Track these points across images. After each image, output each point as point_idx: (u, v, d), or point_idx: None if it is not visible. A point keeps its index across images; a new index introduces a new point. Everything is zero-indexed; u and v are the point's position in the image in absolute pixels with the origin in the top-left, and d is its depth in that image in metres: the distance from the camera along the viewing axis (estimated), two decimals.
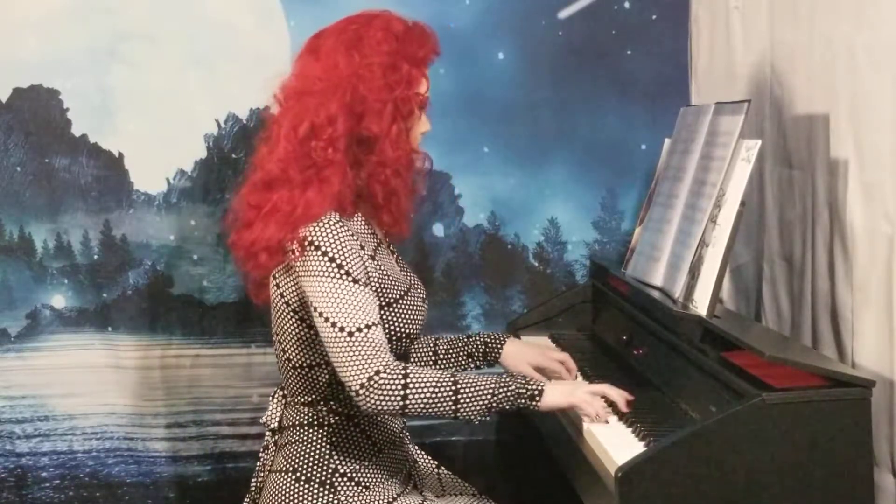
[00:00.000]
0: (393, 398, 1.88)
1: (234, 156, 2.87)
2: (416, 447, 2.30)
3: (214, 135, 2.87)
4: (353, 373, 1.88)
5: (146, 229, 2.90)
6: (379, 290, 2.00)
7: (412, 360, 2.30)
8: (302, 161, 1.96)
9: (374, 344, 1.89)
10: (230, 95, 2.85)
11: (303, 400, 2.06)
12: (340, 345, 1.88)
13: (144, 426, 2.93)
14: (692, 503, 1.79)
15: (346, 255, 1.92)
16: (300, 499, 2.00)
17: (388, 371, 1.88)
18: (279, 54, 2.80)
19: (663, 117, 2.81)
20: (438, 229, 2.97)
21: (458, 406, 1.91)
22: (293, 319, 2.01)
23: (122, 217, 2.89)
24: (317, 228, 1.93)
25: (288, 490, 2.01)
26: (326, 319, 1.90)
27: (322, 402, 2.04)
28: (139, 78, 2.83)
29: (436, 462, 2.32)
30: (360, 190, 2.05)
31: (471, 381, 1.93)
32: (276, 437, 2.12)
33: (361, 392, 1.88)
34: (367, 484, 2.04)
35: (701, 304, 2.14)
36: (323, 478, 2.02)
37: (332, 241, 1.92)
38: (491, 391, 1.92)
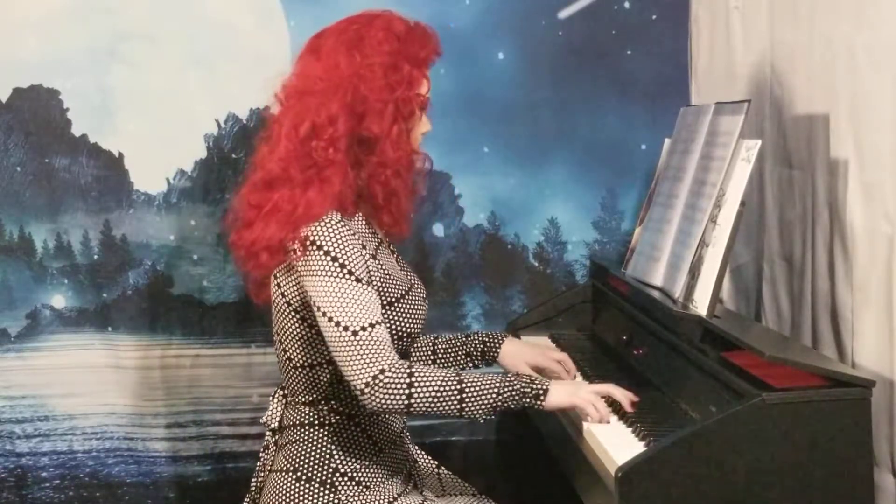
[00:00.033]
0: (398, 397, 1.88)
1: (234, 156, 2.87)
2: (416, 447, 2.30)
3: (214, 135, 2.87)
4: (357, 372, 1.88)
5: (146, 229, 2.90)
6: (381, 289, 2.00)
7: (412, 359, 2.30)
8: (303, 161, 1.96)
9: (378, 342, 1.89)
10: (230, 95, 2.85)
11: (304, 399, 2.06)
12: (345, 344, 1.88)
13: (144, 426, 2.93)
14: (692, 503, 1.79)
15: (349, 254, 1.92)
16: (301, 498, 2.00)
17: (392, 370, 1.88)
18: (279, 54, 2.80)
19: (663, 117, 2.81)
20: (438, 229, 2.97)
21: (463, 405, 1.91)
22: (295, 319, 2.01)
23: (122, 217, 2.89)
24: (319, 228, 1.93)
25: (288, 490, 2.02)
26: (330, 319, 1.90)
27: (323, 402, 2.04)
28: (139, 78, 2.83)
29: (436, 462, 2.32)
30: (360, 190, 2.05)
31: (476, 379, 1.93)
32: (277, 437, 2.12)
33: (367, 391, 1.88)
34: (368, 483, 2.04)
35: (701, 304, 2.14)
36: (323, 477, 2.02)
37: (334, 240, 1.92)
38: (496, 390, 1.93)
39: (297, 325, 2.01)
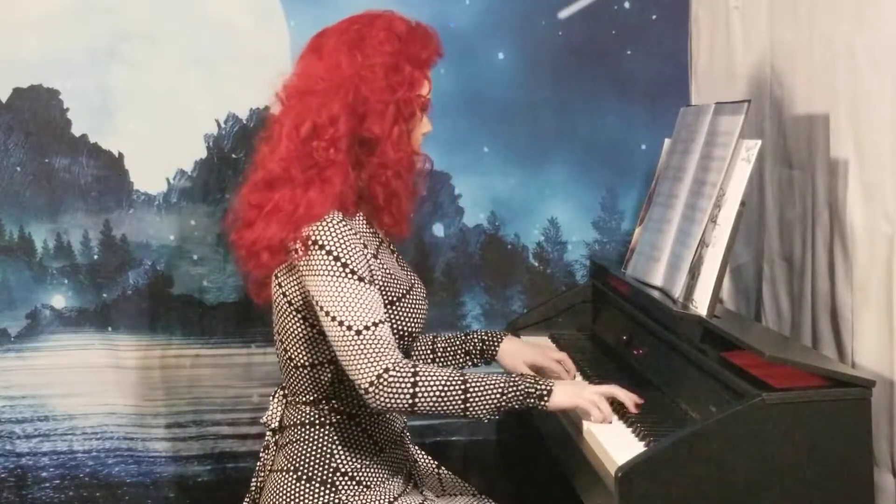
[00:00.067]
0: (402, 396, 1.88)
1: (234, 156, 2.87)
2: (416, 447, 2.30)
3: (214, 135, 2.87)
4: (362, 371, 1.88)
5: (146, 229, 2.90)
6: (382, 288, 2.00)
7: (412, 358, 2.30)
8: (304, 161, 1.96)
9: (382, 341, 1.89)
10: (230, 95, 2.85)
11: (304, 399, 2.06)
12: (348, 343, 1.89)
13: (144, 426, 2.93)
14: (692, 503, 1.79)
15: (351, 253, 1.92)
16: (301, 498, 2.00)
17: (397, 369, 1.88)
18: (279, 54, 2.80)
19: (663, 117, 2.81)
20: (438, 229, 2.97)
21: (468, 405, 1.91)
22: (296, 319, 2.01)
23: (122, 217, 2.89)
24: (320, 227, 1.93)
25: (289, 489, 2.01)
26: (333, 318, 1.90)
27: (324, 401, 2.04)
28: (139, 78, 2.83)
29: (436, 462, 2.32)
30: (361, 191, 2.05)
31: (480, 379, 1.93)
32: (277, 437, 2.12)
33: (371, 390, 1.88)
34: (369, 483, 2.04)
35: (701, 304, 2.14)
36: (324, 477, 2.02)
37: (336, 239, 1.92)
38: (500, 390, 1.93)
39: (298, 324, 2.01)
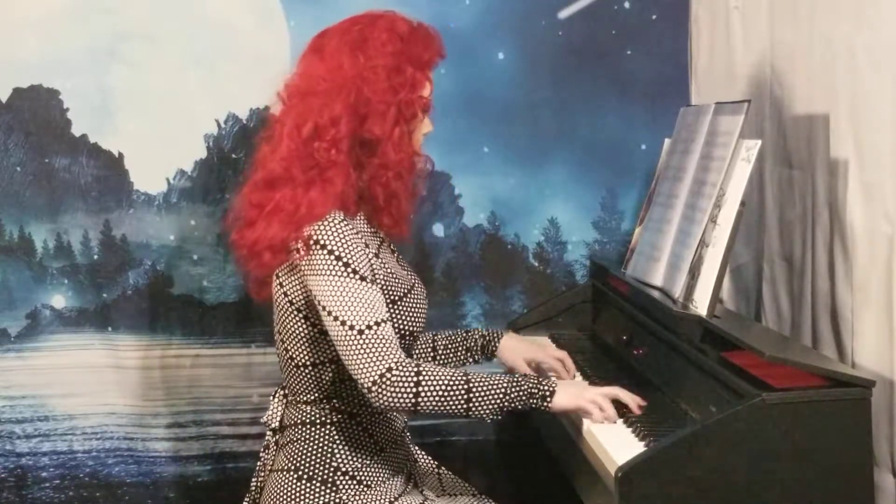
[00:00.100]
0: (406, 395, 1.88)
1: (234, 156, 2.87)
2: (416, 447, 2.30)
3: (214, 135, 2.87)
4: (365, 370, 1.88)
5: (146, 229, 2.90)
6: (384, 287, 2.00)
7: (414, 357, 2.30)
8: (305, 161, 1.96)
9: (384, 341, 1.89)
10: (230, 95, 2.85)
11: (305, 399, 2.06)
12: (351, 343, 1.89)
13: (144, 426, 2.93)
14: (692, 503, 1.79)
15: (353, 253, 1.93)
16: (302, 497, 2.00)
17: (400, 368, 1.88)
18: (279, 54, 2.80)
19: (663, 117, 2.81)
20: (438, 229, 2.97)
21: (470, 405, 1.91)
22: (298, 318, 2.01)
23: (122, 217, 2.89)
24: (322, 227, 1.93)
25: (290, 488, 2.01)
26: (336, 318, 1.90)
27: (325, 401, 2.04)
28: (139, 78, 2.83)
29: (436, 462, 2.32)
30: (361, 191, 2.05)
31: (483, 379, 1.93)
32: (278, 437, 2.12)
33: (374, 389, 1.88)
34: (369, 483, 2.04)
35: (701, 304, 2.14)
36: (325, 476, 2.02)
37: (337, 239, 1.92)
38: (503, 390, 1.93)
39: (300, 324, 2.01)
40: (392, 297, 2.02)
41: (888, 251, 2.02)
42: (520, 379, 1.95)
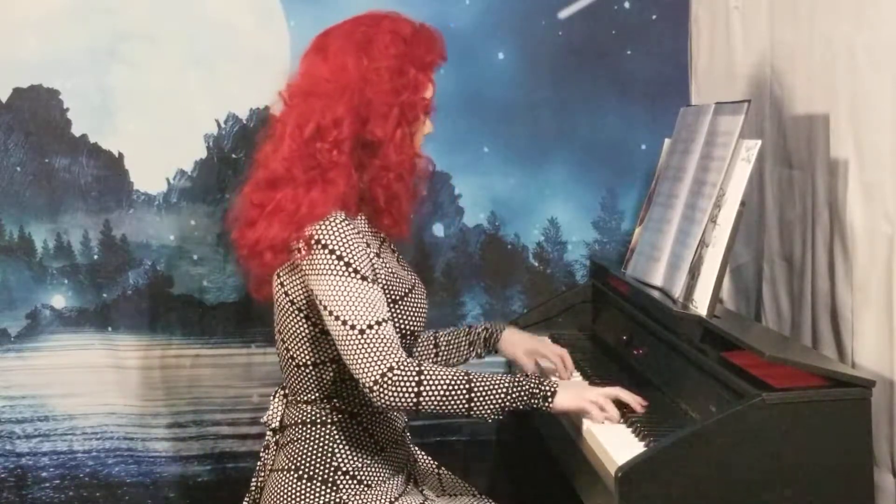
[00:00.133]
0: (407, 394, 1.88)
1: (234, 156, 2.87)
2: (416, 447, 2.30)
3: (214, 135, 2.87)
4: (366, 370, 1.88)
5: (146, 229, 2.90)
6: (385, 287, 2.00)
7: (415, 355, 2.31)
8: (307, 161, 1.96)
9: (386, 340, 1.89)
10: (230, 95, 2.84)
11: (306, 398, 2.06)
12: (352, 342, 1.89)
13: (144, 426, 2.92)
14: (692, 503, 1.79)
15: (354, 252, 1.93)
16: (302, 497, 2.00)
17: (401, 367, 1.89)
18: (279, 54, 2.80)
19: (663, 117, 2.81)
20: (438, 229, 2.97)
21: (472, 404, 1.91)
22: (299, 318, 2.01)
23: (122, 217, 2.89)
24: (323, 227, 1.93)
25: (290, 488, 2.02)
26: (337, 318, 1.90)
27: (325, 400, 2.04)
28: (139, 78, 2.83)
29: (436, 462, 2.32)
30: (362, 192, 2.05)
31: (485, 379, 1.93)
32: (278, 437, 2.12)
33: (375, 389, 1.88)
34: (370, 482, 2.04)
35: (701, 304, 2.14)
36: (325, 476, 2.02)
37: (339, 239, 1.92)
38: (505, 390, 1.93)
39: (301, 323, 2.01)
40: (393, 297, 2.02)
41: (888, 251, 2.02)
42: (521, 379, 1.95)
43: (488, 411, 1.93)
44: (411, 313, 2.05)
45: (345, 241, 1.92)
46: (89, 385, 2.89)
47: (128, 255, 2.90)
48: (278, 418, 2.11)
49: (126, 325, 2.90)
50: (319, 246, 1.92)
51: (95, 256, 2.89)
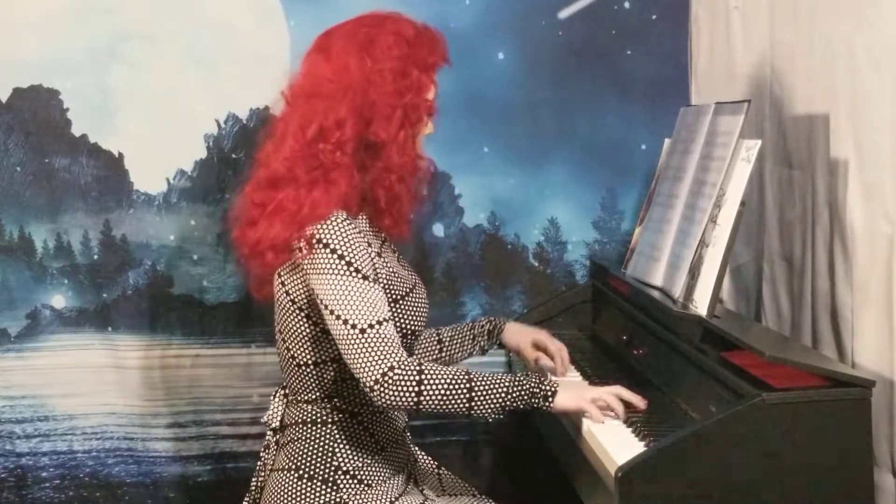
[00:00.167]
0: (408, 394, 1.88)
1: (234, 156, 2.87)
2: (416, 447, 2.30)
3: (214, 135, 2.87)
4: (367, 369, 1.88)
5: (146, 229, 2.90)
6: (386, 286, 2.00)
7: (417, 354, 2.31)
8: (309, 161, 1.96)
9: (386, 340, 1.89)
10: (230, 95, 2.84)
11: (306, 398, 2.06)
12: (353, 342, 1.89)
13: (144, 426, 2.92)
14: (692, 503, 1.79)
15: (355, 252, 1.93)
16: (303, 496, 2.00)
17: (402, 366, 1.89)
18: (279, 54, 2.80)
19: (663, 117, 2.81)
20: (438, 229, 2.97)
21: (472, 403, 1.91)
22: (300, 317, 2.01)
23: (122, 217, 2.89)
24: (325, 226, 1.93)
25: (290, 487, 2.02)
26: (338, 317, 1.90)
27: (326, 400, 2.04)
28: (139, 78, 2.83)
29: (436, 462, 2.32)
30: (364, 193, 2.05)
31: (485, 378, 1.93)
32: (278, 436, 2.12)
33: (376, 388, 1.88)
34: (370, 482, 2.04)
35: (701, 304, 2.14)
36: (326, 475, 2.02)
37: (340, 238, 1.92)
38: (505, 390, 1.93)
39: (302, 323, 2.01)
40: (394, 297, 2.02)
41: (888, 251, 2.02)
42: (521, 378, 1.95)
43: (489, 411, 1.93)
44: (412, 313, 2.06)
45: (346, 240, 1.92)
46: (89, 385, 2.89)
47: (128, 255, 2.90)
48: (278, 418, 2.11)
49: (126, 325, 2.90)
50: (321, 245, 1.92)
51: (95, 256, 2.89)
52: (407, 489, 2.13)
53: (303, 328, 2.02)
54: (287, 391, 2.11)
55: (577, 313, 2.83)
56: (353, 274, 1.91)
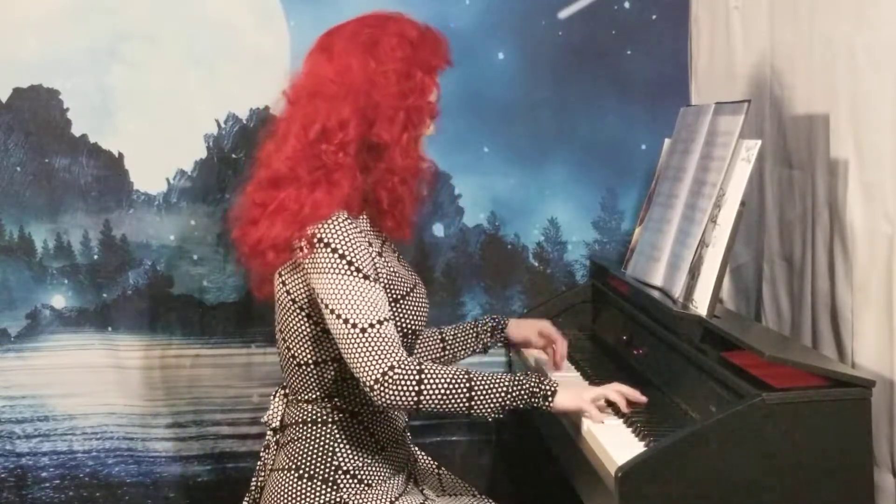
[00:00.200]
0: (408, 393, 1.88)
1: (234, 156, 2.87)
2: (416, 447, 2.30)
3: (214, 135, 2.87)
4: (367, 369, 1.88)
5: (146, 229, 2.90)
6: (387, 286, 2.00)
7: (418, 353, 2.31)
8: (311, 162, 1.96)
9: (386, 339, 1.89)
10: (230, 95, 2.84)
11: (306, 397, 2.06)
12: (353, 341, 1.89)
13: (144, 426, 2.92)
14: (692, 503, 1.79)
15: (356, 251, 1.93)
16: (303, 496, 2.00)
17: (402, 366, 1.89)
18: (279, 54, 2.80)
19: (663, 117, 2.81)
20: (438, 229, 2.97)
21: (472, 403, 1.92)
22: (300, 317, 2.02)
23: (122, 217, 2.89)
24: (326, 226, 1.93)
25: (290, 487, 2.02)
26: (338, 316, 1.90)
27: (326, 399, 2.05)
28: (139, 78, 2.83)
29: (436, 462, 2.32)
30: (366, 194, 2.05)
31: (485, 378, 1.93)
32: (278, 436, 2.12)
33: (376, 387, 1.88)
34: (370, 482, 2.04)
35: (701, 304, 2.14)
36: (326, 475, 2.02)
37: (341, 238, 1.92)
38: (505, 389, 1.93)
39: (303, 322, 2.02)
40: (394, 296, 2.02)
41: (888, 251, 2.02)
42: (521, 378, 1.96)
43: (489, 410, 1.93)
44: (412, 312, 2.06)
45: (347, 239, 1.92)
46: (89, 385, 2.89)
47: (128, 255, 2.90)
48: (279, 418, 2.11)
49: (126, 325, 2.90)
50: (322, 244, 1.92)
51: (95, 256, 2.89)
52: (407, 489, 2.13)
53: (303, 328, 2.02)
54: (287, 391, 2.11)
55: (577, 313, 2.83)
56: (354, 273, 1.91)
